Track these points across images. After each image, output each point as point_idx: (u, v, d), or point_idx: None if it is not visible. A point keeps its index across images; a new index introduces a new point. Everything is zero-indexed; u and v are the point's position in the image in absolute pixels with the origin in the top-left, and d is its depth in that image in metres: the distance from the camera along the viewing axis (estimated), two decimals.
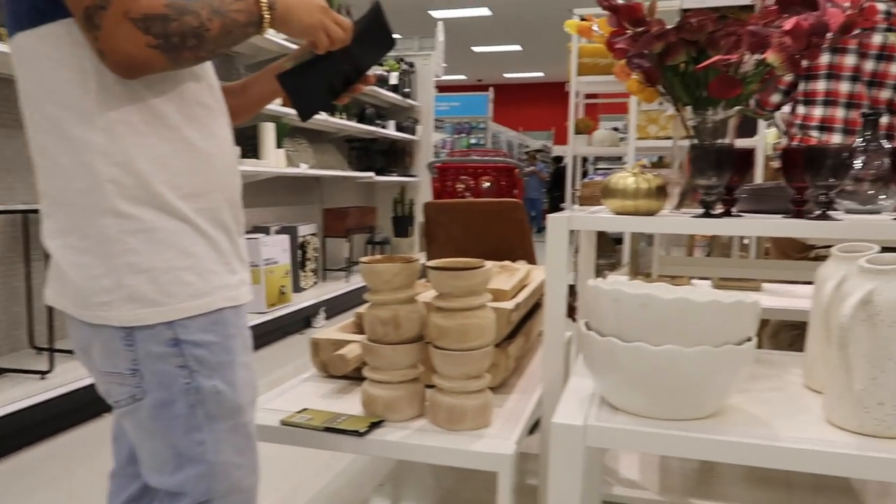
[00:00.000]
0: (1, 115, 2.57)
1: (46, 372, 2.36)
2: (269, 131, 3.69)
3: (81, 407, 2.38)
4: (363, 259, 1.31)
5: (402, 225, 5.70)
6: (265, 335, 3.50)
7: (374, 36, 1.08)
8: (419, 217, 5.91)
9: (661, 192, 1.30)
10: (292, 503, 1.87)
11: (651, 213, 1.31)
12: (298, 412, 1.34)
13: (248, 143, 3.70)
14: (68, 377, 2.36)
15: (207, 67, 0.99)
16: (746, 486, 1.89)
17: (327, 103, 1.10)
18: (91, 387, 2.42)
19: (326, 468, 2.06)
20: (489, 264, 1.30)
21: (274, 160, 3.73)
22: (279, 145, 3.84)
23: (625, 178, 1.33)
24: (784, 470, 1.81)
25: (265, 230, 3.88)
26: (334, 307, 4.30)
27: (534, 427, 1.68)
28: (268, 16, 0.91)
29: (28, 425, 2.21)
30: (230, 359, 0.95)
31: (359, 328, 1.71)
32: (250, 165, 3.53)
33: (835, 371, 0.93)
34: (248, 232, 3.78)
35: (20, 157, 2.66)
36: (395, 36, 1.14)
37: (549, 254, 1.37)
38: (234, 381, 0.95)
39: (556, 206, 11.54)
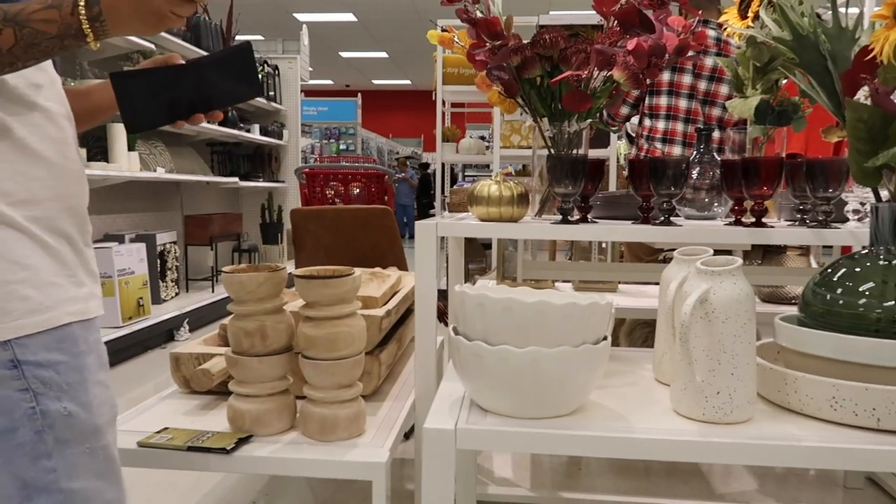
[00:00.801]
0: None
1: None
2: (119, 133, 3.45)
3: None
4: (226, 269, 1.27)
5: (270, 232, 5.55)
6: (122, 350, 3.28)
7: (235, 72, 1.00)
8: (288, 224, 5.78)
9: (522, 199, 1.36)
10: None
11: (514, 220, 1.36)
12: (158, 432, 1.27)
13: (96, 145, 3.44)
14: None
15: (44, 64, 0.91)
16: (610, 476, 2.01)
17: (161, 121, 0.99)
18: None
19: (193, 489, 1.96)
20: (358, 271, 1.30)
21: (126, 164, 3.50)
22: (132, 148, 3.61)
23: (488, 186, 1.37)
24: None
25: (119, 238, 3.63)
26: (199, 319, 4.10)
27: (409, 432, 1.70)
28: (89, 29, 0.79)
29: None
30: (81, 378, 0.88)
31: (224, 340, 1.64)
32: (98, 169, 3.28)
33: (679, 365, 1.02)
34: (97, 241, 3.52)
35: None
36: (258, 72, 1.07)
37: (417, 260, 1.39)
38: (87, 402, 0.88)
39: (424, 212, 11.67)
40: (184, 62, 1.03)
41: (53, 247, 0.87)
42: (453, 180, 7.10)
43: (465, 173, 9.07)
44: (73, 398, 0.87)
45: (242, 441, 1.23)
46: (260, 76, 5.47)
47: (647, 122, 2.42)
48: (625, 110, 2.44)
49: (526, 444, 1.00)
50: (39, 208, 0.86)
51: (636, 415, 1.05)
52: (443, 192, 4.63)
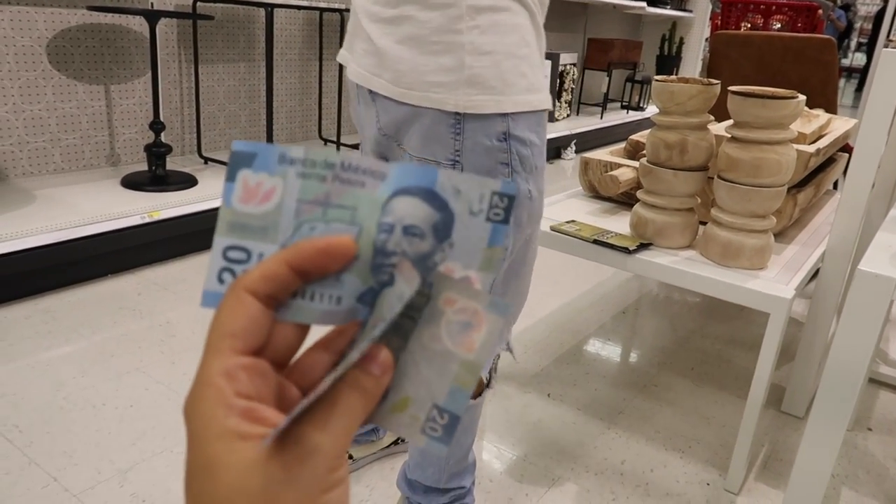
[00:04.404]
0: None
1: None
2: None
3: None
4: (658, 77, 1.25)
5: (666, 65, 5.31)
6: None
7: None
8: (686, 58, 5.45)
9: None
10: (530, 315, 2.00)
11: None
12: (567, 222, 1.39)
13: None
14: None
15: None
16: None
17: None
18: None
19: (564, 293, 2.15)
20: (801, 97, 1.17)
21: None
22: None
23: None
24: None
25: None
26: (586, 142, 4.24)
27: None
28: None
29: None
30: (542, 164, 0.88)
31: (629, 154, 1.67)
32: None
33: None
34: None
35: None
36: None
37: (874, 91, 1.20)
38: (542, 190, 0.89)
39: None
40: None
41: (542, 33, 0.87)
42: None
43: None
44: (536, 183, 0.86)
45: (643, 246, 1.28)
46: None
47: None
48: None
49: None
50: None
51: None
52: (889, 34, 3.83)
